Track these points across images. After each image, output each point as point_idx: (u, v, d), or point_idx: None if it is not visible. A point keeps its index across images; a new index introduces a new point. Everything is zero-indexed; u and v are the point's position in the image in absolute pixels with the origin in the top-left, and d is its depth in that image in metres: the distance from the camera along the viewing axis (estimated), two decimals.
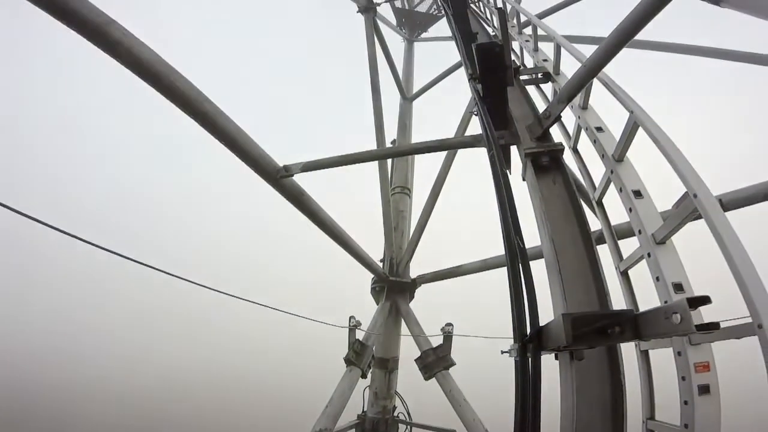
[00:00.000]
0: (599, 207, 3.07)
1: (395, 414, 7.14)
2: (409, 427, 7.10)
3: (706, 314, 1.69)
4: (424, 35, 13.89)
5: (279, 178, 3.97)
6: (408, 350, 7.25)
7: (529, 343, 1.91)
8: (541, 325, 2.00)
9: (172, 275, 3.65)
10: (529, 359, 1.92)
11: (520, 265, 2.09)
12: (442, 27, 13.72)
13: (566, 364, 2.19)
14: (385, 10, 11.18)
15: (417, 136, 9.34)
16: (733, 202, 3.75)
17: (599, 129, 2.96)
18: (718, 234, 1.85)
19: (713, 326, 1.46)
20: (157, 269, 3.11)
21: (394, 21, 13.41)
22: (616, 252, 2.87)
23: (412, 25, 13.68)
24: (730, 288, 1.79)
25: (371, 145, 6.35)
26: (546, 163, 2.80)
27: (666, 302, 2.19)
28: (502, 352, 2.38)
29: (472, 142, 3.39)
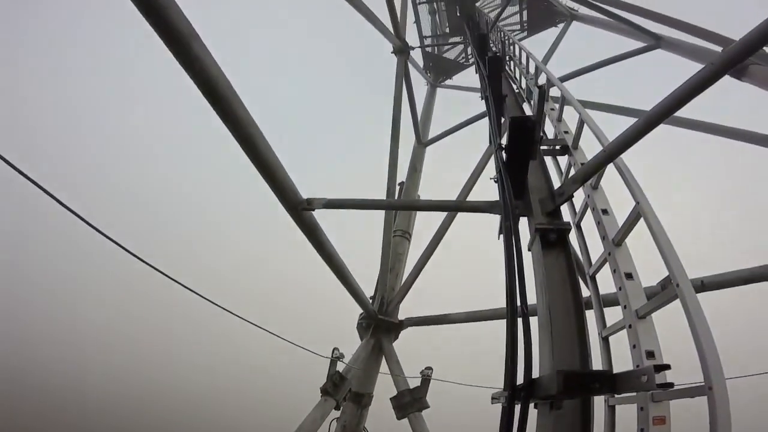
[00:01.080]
0: (592, 281, 3.38)
1: None
2: None
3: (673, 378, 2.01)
4: (447, 82, 14.34)
5: (300, 209, 4.08)
6: (382, 388, 7.37)
7: (522, 391, 2.16)
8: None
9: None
10: (518, 406, 2.17)
11: (520, 324, 2.36)
12: (463, 76, 14.35)
13: (546, 412, 2.47)
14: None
15: (425, 181, 9.67)
16: (713, 284, 4.14)
17: (605, 211, 3.28)
18: (689, 313, 2.15)
19: (669, 385, 1.85)
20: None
21: (421, 64, 13.89)
22: (602, 320, 3.17)
23: (438, 70, 14.16)
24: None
25: (378, 181, 6.73)
26: (553, 239, 3.09)
27: (638, 366, 2.48)
28: (493, 398, 2.60)
29: (488, 208, 3.63)
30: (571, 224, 3.34)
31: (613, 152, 3.09)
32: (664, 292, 2.43)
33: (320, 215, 4.54)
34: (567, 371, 1.88)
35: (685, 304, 2.23)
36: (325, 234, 4.64)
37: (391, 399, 6.70)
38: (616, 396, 2.76)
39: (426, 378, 6.69)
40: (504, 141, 3.73)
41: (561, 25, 10.56)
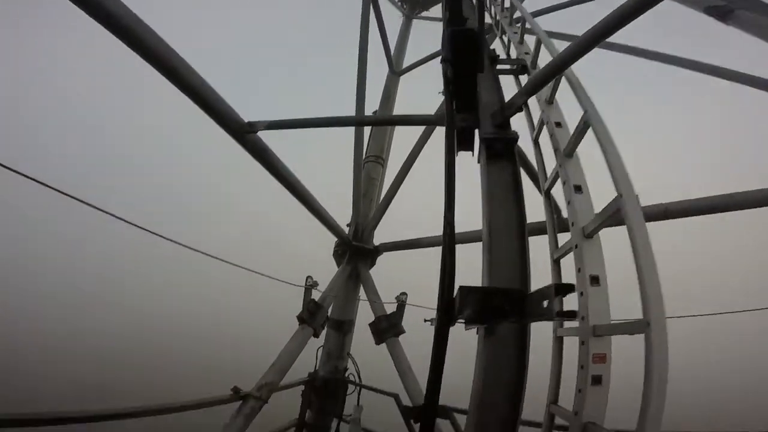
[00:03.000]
0: (546, 198, 3.20)
1: (346, 375, 7.39)
2: (357, 387, 7.40)
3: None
4: (424, 13, 13.50)
5: (243, 133, 3.92)
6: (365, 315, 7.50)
7: (441, 313, 2.02)
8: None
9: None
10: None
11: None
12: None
13: (481, 339, 2.31)
14: None
15: (401, 111, 9.24)
16: (678, 211, 3.93)
17: (558, 124, 3.06)
18: (633, 234, 1.96)
19: (571, 313, 1.59)
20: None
21: None
22: (554, 241, 3.02)
23: (414, 2, 13.31)
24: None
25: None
26: (499, 149, 2.87)
27: (582, 293, 2.33)
28: (425, 320, 2.51)
29: (436, 121, 3.43)
30: (518, 135, 3.08)
31: (560, 63, 2.80)
32: (608, 206, 2.23)
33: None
34: (468, 287, 1.70)
35: (628, 218, 2.04)
36: (277, 157, 4.42)
37: (369, 325, 6.81)
38: (564, 327, 2.66)
39: (401, 303, 6.81)
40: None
41: None
